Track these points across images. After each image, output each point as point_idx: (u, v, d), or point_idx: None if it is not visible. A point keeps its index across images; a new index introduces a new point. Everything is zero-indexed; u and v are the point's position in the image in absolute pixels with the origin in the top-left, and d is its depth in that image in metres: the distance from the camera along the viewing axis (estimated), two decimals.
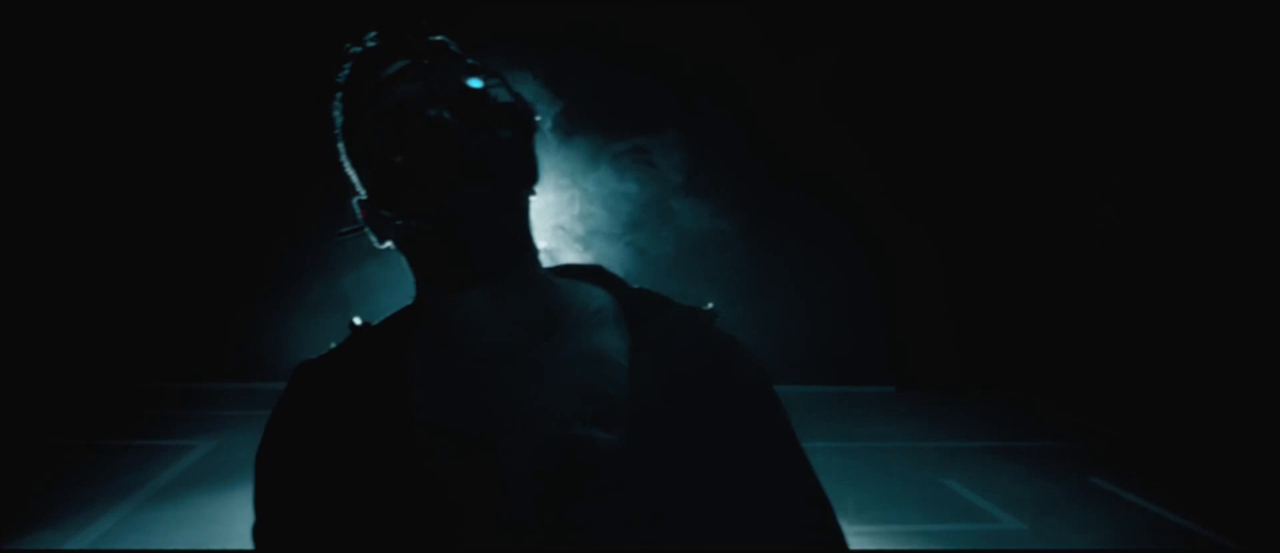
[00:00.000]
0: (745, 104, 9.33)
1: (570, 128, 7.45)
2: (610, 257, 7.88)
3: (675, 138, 8.26)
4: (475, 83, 0.94)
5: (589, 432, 0.94)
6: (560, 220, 7.59)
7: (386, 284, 7.12)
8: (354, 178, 1.02)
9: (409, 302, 1.08)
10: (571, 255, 8.00)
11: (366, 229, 1.01)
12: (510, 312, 0.98)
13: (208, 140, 9.14)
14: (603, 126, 8.04)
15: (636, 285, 1.10)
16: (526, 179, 0.96)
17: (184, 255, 9.32)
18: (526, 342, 0.99)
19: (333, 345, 1.08)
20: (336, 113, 1.02)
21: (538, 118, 0.99)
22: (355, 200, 1.01)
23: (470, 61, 0.99)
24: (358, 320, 1.08)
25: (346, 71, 1.01)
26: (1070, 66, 9.17)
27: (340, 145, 1.02)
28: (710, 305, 1.08)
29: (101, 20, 8.69)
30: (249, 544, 1.06)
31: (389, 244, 1.00)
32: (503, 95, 0.95)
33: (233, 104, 8.97)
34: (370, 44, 1.00)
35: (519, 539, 0.92)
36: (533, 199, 1.00)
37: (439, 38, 1.01)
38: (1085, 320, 9.73)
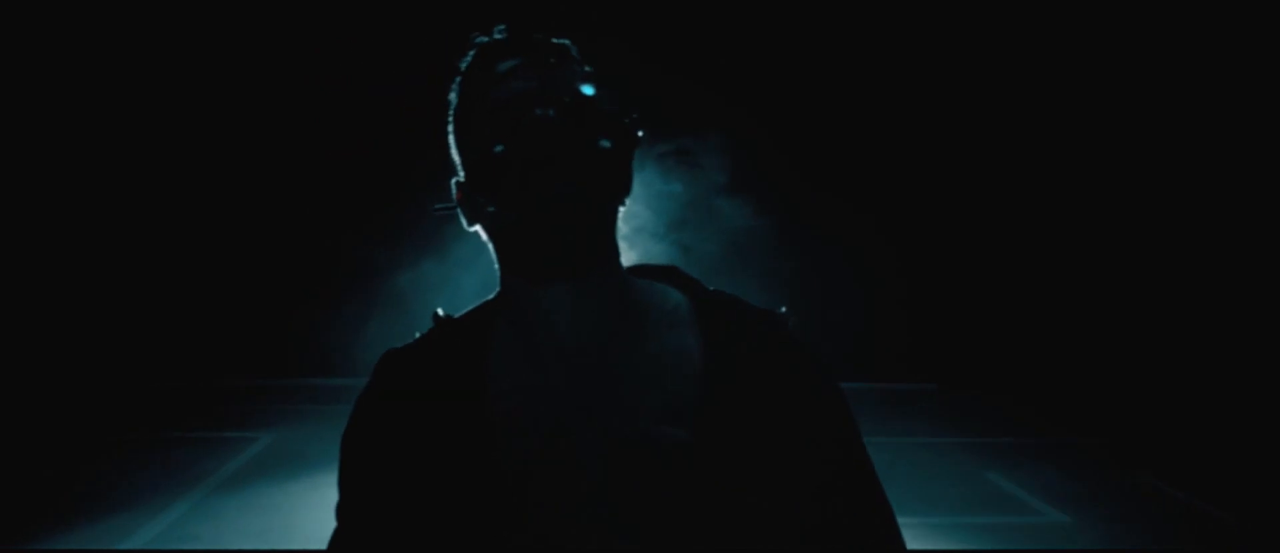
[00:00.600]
0: (788, 102, 9.40)
1: None
2: (656, 255, 8.02)
3: (719, 138, 8.35)
4: (587, 90, 0.98)
5: (661, 429, 0.96)
6: None
7: (442, 282, 7.34)
8: (456, 160, 1.06)
9: (466, 299, 1.12)
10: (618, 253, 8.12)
11: (459, 210, 1.04)
12: (588, 309, 1.00)
13: (275, 145, 9.43)
14: (648, 127, 8.16)
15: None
16: (618, 191, 1.00)
17: (247, 257, 9.64)
18: (603, 339, 1.01)
19: (417, 335, 1.11)
20: (453, 95, 1.05)
21: (641, 134, 1.03)
22: (454, 181, 1.05)
23: (587, 69, 1.03)
24: (441, 311, 1.11)
25: (469, 59, 1.04)
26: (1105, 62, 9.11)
27: (450, 126, 1.06)
28: (784, 309, 1.10)
29: (181, 23, 9.01)
30: (319, 529, 1.13)
31: (478, 228, 1.04)
32: (610, 106, 0.99)
33: (298, 108, 9.25)
34: (497, 36, 1.04)
35: (589, 532, 0.94)
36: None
37: (563, 42, 1.05)
38: (1126, 318, 9.65)
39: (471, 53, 1.04)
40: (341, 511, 1.05)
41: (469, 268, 6.55)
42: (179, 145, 9.50)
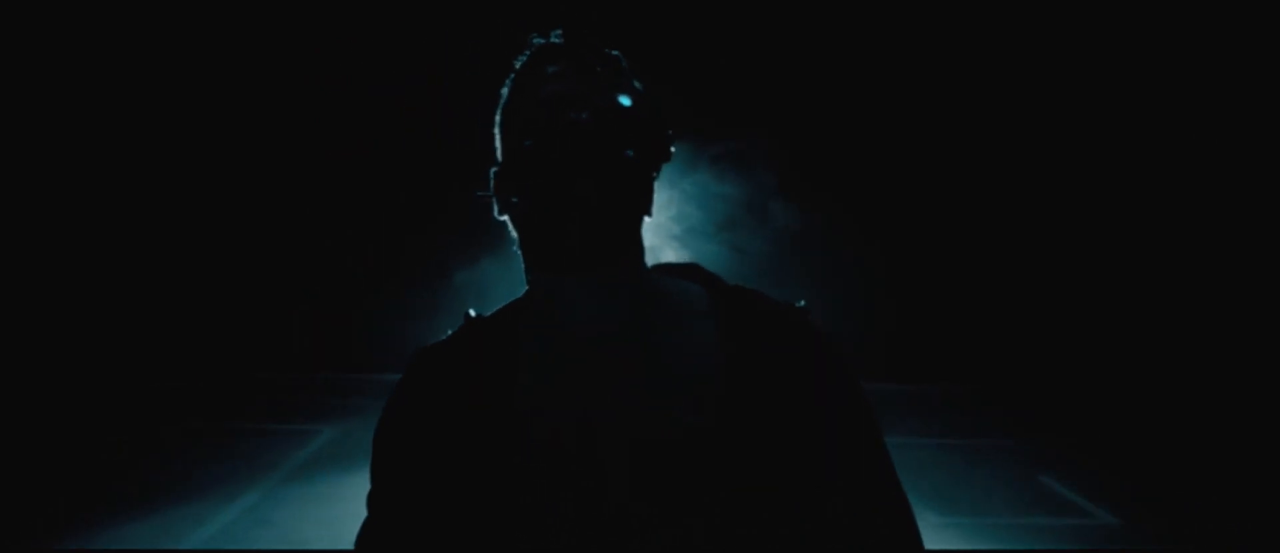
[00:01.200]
0: (838, 105, 9.44)
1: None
2: (707, 254, 8.12)
3: (769, 141, 8.42)
4: (624, 101, 1.01)
5: (683, 420, 0.98)
6: (659, 219, 7.86)
7: (496, 280, 7.53)
8: (498, 151, 1.09)
9: (519, 295, 1.14)
10: (670, 253, 8.25)
11: (493, 198, 1.07)
12: (609, 303, 1.03)
13: (345, 144, 9.71)
14: (700, 130, 8.27)
15: (732, 282, 1.14)
16: (637, 202, 1.03)
17: (310, 258, 9.95)
18: (624, 332, 1.03)
19: (449, 333, 1.14)
20: (504, 89, 1.09)
21: (673, 151, 1.07)
22: (492, 170, 1.07)
23: (634, 83, 1.07)
24: (472, 312, 1.13)
25: (524, 58, 1.08)
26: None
27: (497, 117, 1.09)
28: (802, 303, 1.11)
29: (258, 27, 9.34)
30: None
31: (505, 219, 1.06)
32: (645, 120, 1.03)
33: (372, 105, 9.51)
34: (552, 39, 1.08)
35: (614, 521, 0.96)
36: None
37: (614, 52, 1.08)
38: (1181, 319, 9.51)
39: (527, 53, 1.08)
40: (372, 500, 1.08)
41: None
42: (252, 144, 9.82)
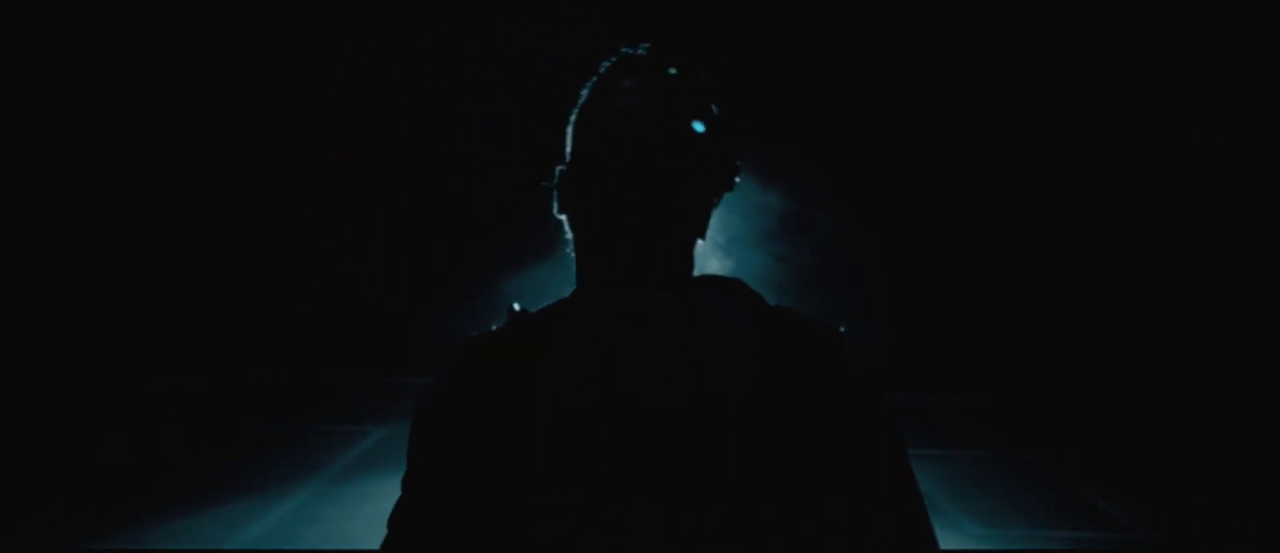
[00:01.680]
0: (886, 115, 9.43)
1: None
2: (751, 263, 8.14)
3: (814, 150, 8.42)
4: (698, 127, 1.04)
5: (713, 420, 1.01)
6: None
7: (550, 286, 7.62)
8: (567, 150, 1.12)
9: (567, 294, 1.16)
10: (714, 262, 8.29)
11: (555, 193, 1.10)
12: (650, 318, 1.05)
13: (402, 148, 9.89)
14: (744, 139, 8.30)
15: (774, 292, 1.19)
16: (691, 223, 1.06)
17: (364, 261, 10.14)
18: (663, 347, 1.05)
19: (494, 328, 1.17)
20: (585, 91, 1.11)
21: (737, 181, 1.09)
22: (559, 168, 1.10)
23: (713, 109, 1.09)
24: (517, 307, 1.16)
25: (609, 64, 1.11)
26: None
27: (572, 117, 1.12)
28: (842, 329, 1.12)
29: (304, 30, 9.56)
30: None
31: (563, 218, 1.10)
32: (712, 147, 1.06)
33: (430, 110, 9.68)
34: (640, 52, 1.11)
35: (627, 521, 0.98)
36: None
37: (696, 73, 1.11)
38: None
39: (614, 59, 1.11)
40: (406, 481, 1.10)
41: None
42: (315, 148, 10.03)
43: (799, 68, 9.21)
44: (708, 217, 1.10)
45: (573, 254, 1.12)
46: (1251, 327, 9.00)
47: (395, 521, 1.09)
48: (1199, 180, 9.60)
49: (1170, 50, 9.03)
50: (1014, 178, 9.69)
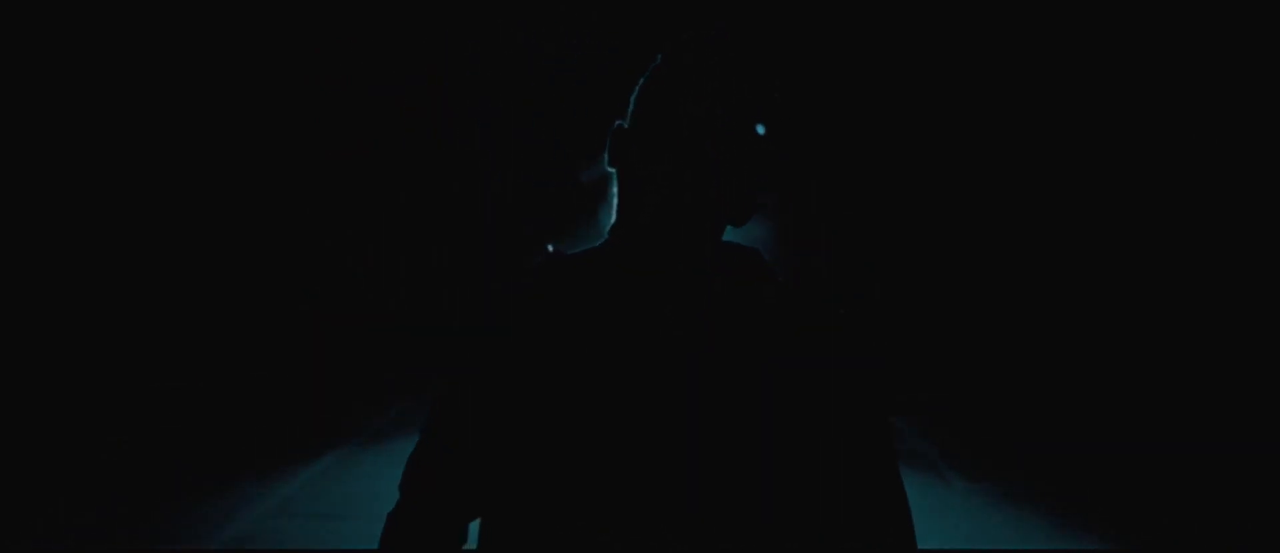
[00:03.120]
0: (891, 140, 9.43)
1: None
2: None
3: (805, 183, 8.38)
4: (759, 128, 1.05)
5: (722, 385, 1.02)
6: None
7: None
8: (629, 109, 1.12)
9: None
10: None
11: (608, 145, 1.11)
12: (665, 292, 1.06)
13: (404, 154, 9.92)
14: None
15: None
16: (731, 213, 1.08)
17: (364, 261, 10.16)
18: (675, 319, 1.05)
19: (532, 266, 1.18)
20: (660, 57, 1.12)
21: (764, 204, 1.09)
22: (617, 123, 1.12)
23: (779, 108, 1.10)
24: (551, 247, 1.28)
25: (686, 40, 1.10)
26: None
27: (641, 81, 1.12)
28: (843, 311, 1.13)
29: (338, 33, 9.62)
30: None
31: (613, 171, 1.12)
32: (769, 150, 1.08)
33: (426, 119, 9.72)
34: (717, 35, 1.10)
35: (652, 469, 1.00)
36: None
37: (771, 70, 1.11)
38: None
39: (691, 37, 1.10)
40: (424, 428, 1.14)
41: None
42: (315, 148, 10.05)
43: (798, 67, 9.20)
44: (748, 210, 1.11)
45: (614, 203, 1.13)
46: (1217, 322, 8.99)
47: (409, 465, 1.13)
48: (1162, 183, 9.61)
49: (1133, 55, 9.03)
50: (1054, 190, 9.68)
